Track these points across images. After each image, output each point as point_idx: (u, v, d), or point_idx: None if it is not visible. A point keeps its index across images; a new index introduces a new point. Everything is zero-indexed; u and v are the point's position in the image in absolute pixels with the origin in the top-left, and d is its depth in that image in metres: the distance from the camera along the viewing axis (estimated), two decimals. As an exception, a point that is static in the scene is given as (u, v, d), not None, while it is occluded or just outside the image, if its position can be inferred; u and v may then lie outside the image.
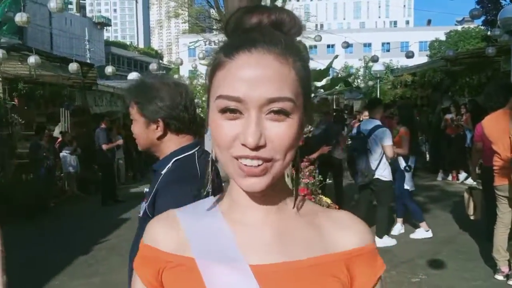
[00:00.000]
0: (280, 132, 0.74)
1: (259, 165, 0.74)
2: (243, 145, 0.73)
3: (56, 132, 12.05)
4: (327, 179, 7.88)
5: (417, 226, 6.52)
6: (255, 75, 0.73)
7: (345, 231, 0.83)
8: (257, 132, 0.72)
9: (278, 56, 0.75)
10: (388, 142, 5.79)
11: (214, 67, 0.78)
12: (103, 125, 10.33)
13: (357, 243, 0.82)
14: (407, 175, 6.43)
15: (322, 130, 7.59)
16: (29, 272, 5.50)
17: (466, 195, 5.54)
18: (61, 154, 10.78)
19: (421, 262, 5.33)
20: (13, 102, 9.89)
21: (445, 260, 5.36)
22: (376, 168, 5.80)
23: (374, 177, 5.83)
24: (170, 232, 0.85)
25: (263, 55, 0.74)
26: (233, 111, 0.74)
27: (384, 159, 5.84)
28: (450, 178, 11.22)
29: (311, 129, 7.04)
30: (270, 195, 0.81)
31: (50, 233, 7.51)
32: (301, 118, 0.77)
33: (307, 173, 5.69)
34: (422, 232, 6.37)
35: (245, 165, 0.74)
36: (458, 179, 10.90)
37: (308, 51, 7.44)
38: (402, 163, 6.41)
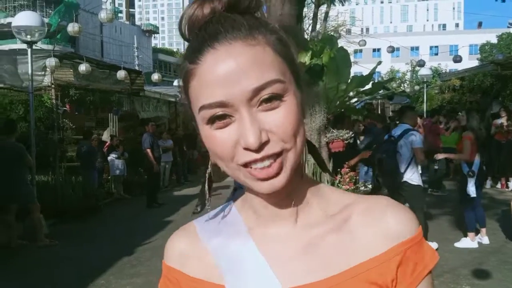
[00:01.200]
0: (279, 120, 0.66)
1: (271, 164, 0.66)
2: (245, 149, 0.65)
3: (105, 136, 12.49)
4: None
5: (463, 235, 6.34)
6: (229, 70, 0.64)
7: (384, 224, 0.71)
8: (256, 129, 0.64)
9: (245, 39, 0.66)
10: (418, 145, 5.79)
11: (185, 80, 0.70)
12: (148, 130, 10.61)
13: (401, 235, 0.70)
14: (470, 181, 6.21)
15: (372, 138, 7.62)
16: (76, 270, 5.73)
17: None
18: (109, 157, 11.16)
19: (465, 271, 5.18)
20: (64, 108, 10.31)
21: (490, 270, 5.18)
22: (405, 172, 5.76)
23: (402, 180, 5.77)
24: (194, 253, 0.79)
25: (230, 46, 0.66)
26: (221, 117, 0.66)
27: (413, 163, 5.81)
28: (499, 185, 10.82)
29: (352, 134, 6.99)
30: (292, 196, 0.73)
31: (97, 234, 7.78)
32: (297, 95, 0.69)
33: (347, 180, 5.66)
34: (468, 242, 6.20)
35: (257, 168, 0.66)
36: (507, 187, 10.50)
37: (352, 55, 7.39)
38: (465, 169, 6.29)
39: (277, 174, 0.66)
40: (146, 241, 6.98)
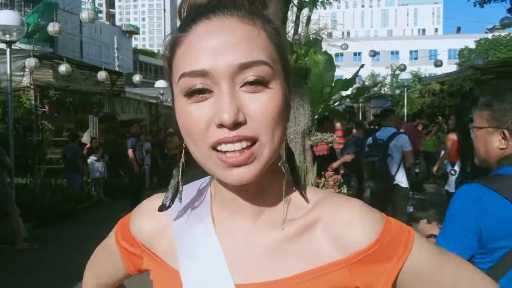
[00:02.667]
0: (261, 106, 0.62)
1: (243, 149, 0.62)
2: (219, 126, 0.62)
3: (85, 138, 12.31)
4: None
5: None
6: (219, 41, 0.62)
7: (344, 232, 0.70)
8: (233, 105, 0.61)
9: (242, 18, 0.64)
10: (409, 147, 5.92)
11: (171, 48, 0.67)
12: (132, 130, 10.47)
13: (360, 244, 0.69)
14: (451, 178, 6.57)
15: (356, 141, 7.67)
16: (56, 274, 5.61)
17: None
18: (88, 160, 10.99)
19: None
20: (43, 109, 10.14)
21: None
22: (395, 174, 5.82)
23: (393, 183, 5.83)
24: (159, 231, 0.78)
25: (225, 19, 0.64)
26: (201, 91, 0.63)
27: (401, 166, 5.88)
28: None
29: (335, 137, 7.02)
30: (262, 193, 0.71)
31: (77, 237, 7.64)
32: (283, 88, 0.66)
33: (332, 183, 5.67)
34: None
35: (227, 152, 0.62)
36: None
37: (334, 58, 7.48)
38: (448, 167, 6.72)
39: (248, 163, 0.63)
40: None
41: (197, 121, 0.63)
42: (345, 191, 5.98)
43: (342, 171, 6.80)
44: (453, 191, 6.41)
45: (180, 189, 0.74)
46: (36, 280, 5.50)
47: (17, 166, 7.76)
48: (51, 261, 6.14)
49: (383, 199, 6.04)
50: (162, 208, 0.74)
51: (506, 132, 1.56)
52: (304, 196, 0.75)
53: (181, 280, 0.72)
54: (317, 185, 5.47)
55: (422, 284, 0.71)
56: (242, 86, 0.62)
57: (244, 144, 0.62)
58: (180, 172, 0.74)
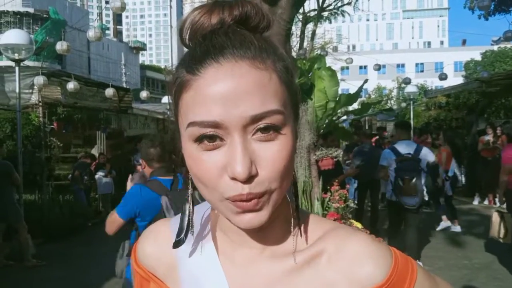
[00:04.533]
0: (273, 155, 0.61)
1: (255, 203, 0.62)
2: (232, 178, 0.61)
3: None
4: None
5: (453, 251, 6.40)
6: (230, 91, 0.60)
7: (355, 268, 0.68)
8: (246, 159, 0.60)
9: (253, 61, 0.62)
10: (432, 158, 6.08)
11: (178, 89, 0.65)
12: (139, 146, 10.56)
13: (373, 281, 0.67)
14: (446, 184, 8.24)
15: (366, 154, 7.65)
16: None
17: (495, 218, 5.63)
18: (96, 176, 11.06)
19: (456, 289, 5.21)
20: (52, 126, 10.25)
21: (480, 287, 5.21)
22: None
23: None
24: (163, 257, 0.78)
25: (235, 64, 0.61)
26: (211, 138, 0.61)
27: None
28: (486, 202, 10.91)
29: (341, 152, 7.02)
30: (267, 227, 0.69)
31: (85, 254, 7.67)
32: (294, 130, 0.65)
33: (337, 197, 5.67)
34: (444, 223, 8.15)
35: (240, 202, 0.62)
36: (495, 203, 10.58)
37: (339, 72, 7.52)
38: (443, 175, 8.13)
39: (258, 210, 0.63)
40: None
41: (208, 169, 0.62)
42: (352, 205, 5.97)
43: (347, 185, 6.79)
44: (450, 193, 8.42)
45: (192, 224, 0.73)
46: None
47: (26, 182, 7.84)
48: (59, 278, 6.17)
49: (399, 216, 6.02)
50: (178, 244, 0.73)
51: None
52: (311, 225, 0.75)
53: None
54: (323, 200, 5.47)
55: None
56: (254, 134, 0.61)
57: (255, 201, 0.62)
58: (191, 205, 0.73)
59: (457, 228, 8.07)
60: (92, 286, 5.72)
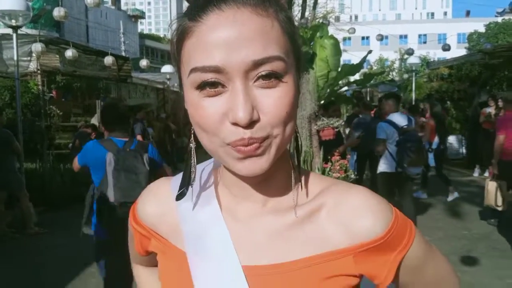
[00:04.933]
0: (274, 101, 0.62)
1: (256, 147, 0.63)
2: (233, 124, 0.61)
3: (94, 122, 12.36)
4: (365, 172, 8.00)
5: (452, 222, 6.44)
6: (232, 36, 0.60)
7: (354, 220, 0.70)
8: (248, 105, 0.60)
9: (255, 8, 0.62)
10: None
11: (180, 37, 0.65)
12: (139, 116, 10.50)
13: (370, 234, 0.69)
14: (430, 155, 8.58)
15: (366, 125, 7.60)
16: (67, 258, 5.69)
17: (491, 187, 5.90)
18: (96, 145, 11.04)
19: (454, 258, 5.23)
20: (51, 94, 10.17)
21: (479, 257, 5.26)
22: None
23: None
24: (164, 213, 0.79)
25: (238, 10, 0.61)
26: (213, 84, 0.62)
27: None
28: (487, 173, 10.91)
29: (342, 122, 7.00)
30: (267, 181, 0.71)
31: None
32: (296, 80, 0.66)
33: (338, 167, 5.67)
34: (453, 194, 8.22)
35: (240, 147, 0.63)
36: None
37: (341, 43, 7.43)
38: (427, 146, 8.25)
39: (259, 155, 0.63)
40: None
41: (210, 115, 0.62)
42: (352, 176, 5.98)
43: (348, 156, 6.80)
44: (433, 164, 8.82)
45: (193, 175, 0.74)
46: (46, 263, 5.58)
47: (26, 151, 7.83)
48: (61, 245, 6.22)
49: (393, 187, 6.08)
50: (181, 196, 0.74)
51: None
52: (309, 183, 0.76)
53: (187, 260, 0.73)
54: (324, 170, 5.48)
55: (412, 274, 0.76)
56: (255, 81, 0.62)
57: (257, 143, 0.62)
58: (193, 157, 0.74)
59: (455, 194, 8.29)
60: (91, 253, 5.77)
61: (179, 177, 0.80)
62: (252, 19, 0.61)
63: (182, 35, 0.64)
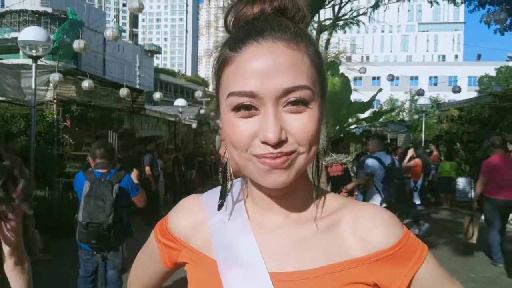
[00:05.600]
0: (302, 124, 0.70)
1: (283, 160, 0.70)
2: (263, 143, 0.69)
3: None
4: None
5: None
6: (267, 66, 0.68)
7: (369, 232, 0.77)
8: (277, 127, 0.68)
9: (288, 42, 0.70)
10: None
11: (221, 64, 0.74)
12: (148, 147, 10.58)
13: (382, 244, 0.75)
14: (415, 194, 8.94)
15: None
16: (68, 286, 5.67)
17: (465, 221, 6.83)
18: (107, 175, 11.10)
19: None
20: (65, 123, 10.34)
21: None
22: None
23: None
24: (196, 226, 0.86)
25: (273, 44, 0.69)
26: (247, 107, 0.70)
27: None
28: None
29: (350, 159, 7.03)
30: (291, 195, 0.79)
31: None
32: (321, 107, 0.73)
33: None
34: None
35: (267, 158, 0.70)
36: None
37: (352, 82, 7.56)
38: (412, 184, 8.88)
39: (284, 169, 0.71)
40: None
41: (242, 132, 0.70)
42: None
43: (356, 193, 6.80)
44: (418, 202, 8.99)
45: (229, 187, 0.83)
46: (50, 290, 5.56)
47: (37, 178, 7.90)
48: (66, 273, 6.21)
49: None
50: (221, 206, 0.83)
51: None
52: (328, 199, 0.84)
53: (218, 267, 0.80)
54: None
55: None
56: (285, 106, 0.69)
57: (284, 158, 0.70)
58: (230, 170, 0.81)
59: (415, 232, 8.36)
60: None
61: (210, 193, 0.90)
62: (285, 52, 0.69)
63: (222, 63, 0.73)
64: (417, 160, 9.24)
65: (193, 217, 0.88)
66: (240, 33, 0.72)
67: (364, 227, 0.77)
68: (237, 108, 0.70)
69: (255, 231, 0.81)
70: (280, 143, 0.69)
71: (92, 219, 3.89)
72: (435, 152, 13.10)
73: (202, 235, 0.85)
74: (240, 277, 0.77)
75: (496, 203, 6.34)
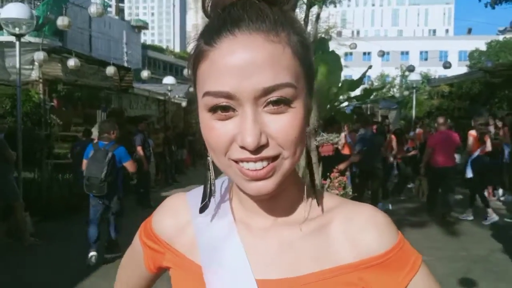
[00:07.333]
0: (283, 126, 0.63)
1: (263, 167, 0.64)
2: (242, 147, 0.63)
3: (94, 134, 12.32)
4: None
5: (450, 242, 6.38)
6: (244, 63, 0.61)
7: (360, 235, 0.72)
8: (256, 130, 0.62)
9: (267, 34, 0.63)
10: None
11: (195, 59, 0.67)
12: (140, 128, 10.43)
13: (374, 250, 0.70)
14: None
15: (367, 140, 7.62)
16: (62, 271, 5.64)
17: (416, 183, 9.16)
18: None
19: (452, 280, 5.19)
20: (52, 103, 10.16)
21: (477, 279, 5.20)
22: None
23: None
24: (180, 228, 0.81)
25: (250, 36, 0.62)
26: (224, 108, 0.63)
27: None
28: (485, 194, 10.88)
29: (340, 138, 7.00)
30: (279, 196, 0.72)
31: (83, 232, 7.68)
32: (306, 103, 0.66)
33: (337, 184, 5.65)
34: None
35: (248, 169, 0.64)
36: (494, 195, 10.58)
37: (343, 58, 7.48)
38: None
39: (267, 177, 0.65)
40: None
41: (219, 136, 0.65)
42: (350, 192, 5.95)
43: (348, 172, 6.79)
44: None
45: (213, 188, 0.76)
46: (42, 274, 5.53)
47: (25, 160, 7.76)
48: (57, 257, 6.18)
49: None
50: (204, 208, 0.77)
51: None
52: (320, 199, 0.78)
53: (202, 273, 0.75)
54: (322, 186, 5.46)
55: None
56: (265, 106, 0.63)
57: (265, 163, 0.64)
58: (212, 171, 0.75)
59: (386, 206, 8.73)
60: (90, 266, 5.72)
61: (194, 192, 0.84)
62: (264, 46, 0.62)
63: (197, 57, 0.67)
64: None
65: (177, 218, 0.83)
66: (216, 23, 0.65)
67: (356, 229, 0.72)
68: (214, 109, 0.64)
69: (242, 234, 0.75)
70: (260, 148, 0.63)
71: (91, 174, 5.62)
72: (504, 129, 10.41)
73: (187, 238, 0.80)
74: (226, 284, 0.72)
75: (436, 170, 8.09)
